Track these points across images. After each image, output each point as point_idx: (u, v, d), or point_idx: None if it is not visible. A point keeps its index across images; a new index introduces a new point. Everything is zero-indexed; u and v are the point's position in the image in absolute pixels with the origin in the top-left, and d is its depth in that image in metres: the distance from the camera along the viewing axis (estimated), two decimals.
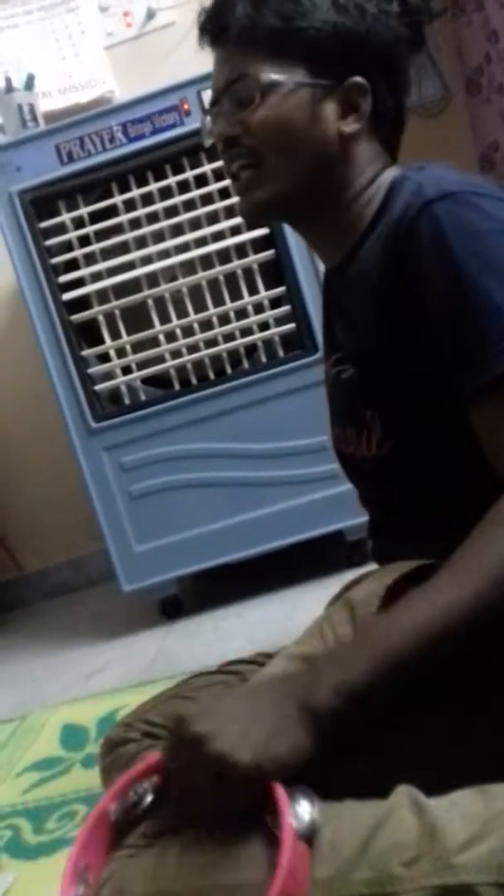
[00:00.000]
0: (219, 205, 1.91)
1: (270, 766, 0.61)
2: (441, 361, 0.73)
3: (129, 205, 1.94)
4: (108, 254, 1.97)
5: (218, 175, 1.91)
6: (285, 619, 1.84)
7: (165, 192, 1.93)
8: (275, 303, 1.96)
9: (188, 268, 1.95)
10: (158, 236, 1.95)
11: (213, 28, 0.84)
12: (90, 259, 1.97)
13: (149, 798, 0.69)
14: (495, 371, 0.69)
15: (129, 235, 1.94)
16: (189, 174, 1.92)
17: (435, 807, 0.63)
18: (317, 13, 0.79)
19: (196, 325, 1.96)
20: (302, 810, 0.62)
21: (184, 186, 1.93)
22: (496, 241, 0.71)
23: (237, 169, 0.85)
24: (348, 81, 0.81)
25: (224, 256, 1.94)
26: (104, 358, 2.00)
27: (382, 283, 0.77)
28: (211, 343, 1.97)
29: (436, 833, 0.61)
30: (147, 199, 1.94)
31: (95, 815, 0.70)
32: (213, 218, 1.93)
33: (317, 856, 0.62)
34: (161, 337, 1.96)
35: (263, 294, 1.94)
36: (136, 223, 1.94)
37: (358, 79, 0.81)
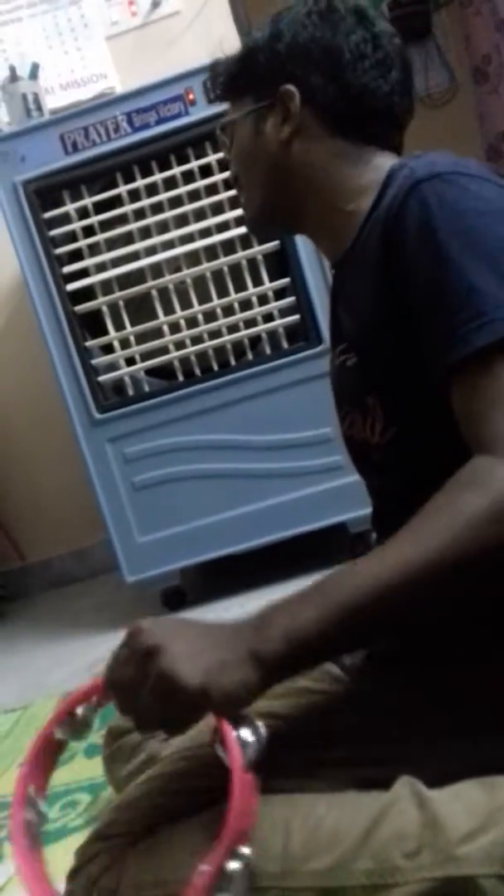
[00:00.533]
0: (223, 195, 1.91)
1: (217, 695, 0.60)
2: (422, 340, 0.73)
3: (134, 195, 1.94)
4: (112, 244, 1.96)
5: (223, 165, 1.90)
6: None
7: (170, 183, 1.93)
8: (279, 294, 1.95)
9: (192, 258, 1.95)
10: (163, 227, 1.95)
11: (214, 97, 0.98)
12: (94, 249, 1.97)
13: (94, 716, 0.70)
14: (463, 352, 0.69)
15: (133, 226, 1.93)
16: (194, 164, 1.91)
17: (437, 798, 0.64)
18: (240, 52, 0.90)
19: (200, 316, 1.95)
20: (248, 736, 0.61)
21: (188, 176, 1.92)
22: (480, 221, 0.71)
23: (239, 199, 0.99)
24: (278, 91, 0.86)
25: (228, 247, 1.93)
26: (108, 349, 2.00)
27: (378, 264, 0.78)
28: (215, 334, 1.96)
29: (438, 824, 0.61)
30: (151, 190, 1.93)
31: (40, 739, 0.70)
32: (217, 208, 1.92)
33: (317, 845, 0.62)
34: (165, 328, 1.96)
35: (268, 285, 1.94)
36: (140, 213, 1.94)
37: (285, 86, 0.86)
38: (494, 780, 0.66)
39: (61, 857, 0.78)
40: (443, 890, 0.59)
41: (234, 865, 0.56)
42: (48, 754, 0.71)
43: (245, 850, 0.57)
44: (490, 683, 0.71)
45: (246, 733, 0.62)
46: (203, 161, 1.91)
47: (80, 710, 0.70)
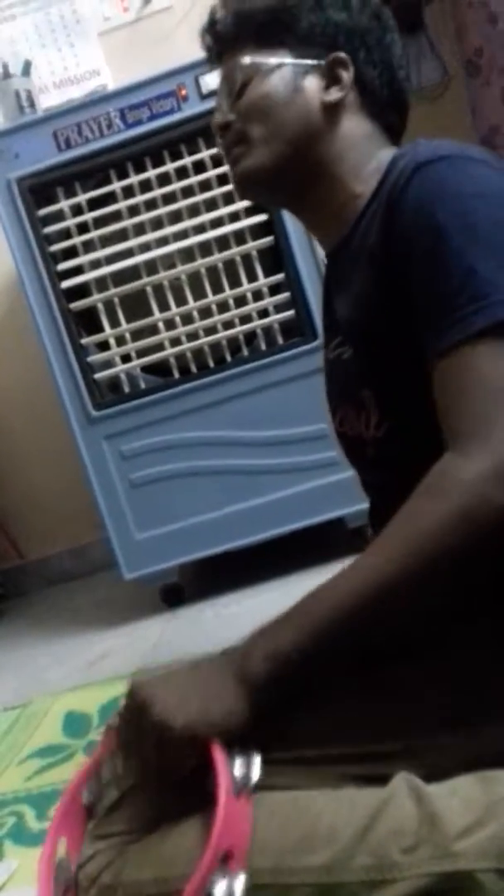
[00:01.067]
0: (217, 191, 1.90)
1: (204, 729, 0.65)
2: (418, 323, 0.73)
3: (128, 192, 1.93)
4: (106, 241, 1.96)
5: (216, 161, 1.90)
6: (286, 606, 1.84)
7: (164, 179, 1.92)
8: (274, 290, 1.95)
9: (187, 255, 1.94)
10: (157, 223, 1.94)
11: (212, 45, 0.91)
12: (89, 246, 1.97)
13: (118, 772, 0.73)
14: (463, 333, 0.68)
15: (127, 223, 1.93)
16: (187, 160, 1.90)
17: (434, 793, 0.64)
18: (276, 3, 0.86)
19: (195, 313, 1.95)
20: (239, 767, 0.65)
21: (182, 173, 1.92)
22: (481, 205, 0.71)
23: (228, 150, 0.90)
24: (329, 57, 0.86)
25: (223, 243, 1.93)
26: (103, 346, 2.00)
27: (379, 247, 0.78)
28: (210, 331, 1.96)
29: (435, 820, 0.61)
30: (145, 186, 1.93)
31: (68, 797, 0.72)
32: (211, 205, 1.92)
33: (315, 841, 0.62)
34: (160, 325, 1.96)
35: (262, 281, 1.93)
36: (134, 210, 1.93)
37: (339, 54, 0.86)
38: (491, 775, 0.66)
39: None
40: (441, 885, 0.59)
41: (219, 886, 0.58)
42: (76, 815, 0.72)
43: (232, 869, 0.59)
44: (485, 676, 0.72)
45: (238, 761, 0.65)
46: (196, 157, 1.90)
47: (105, 773, 0.73)
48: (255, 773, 0.65)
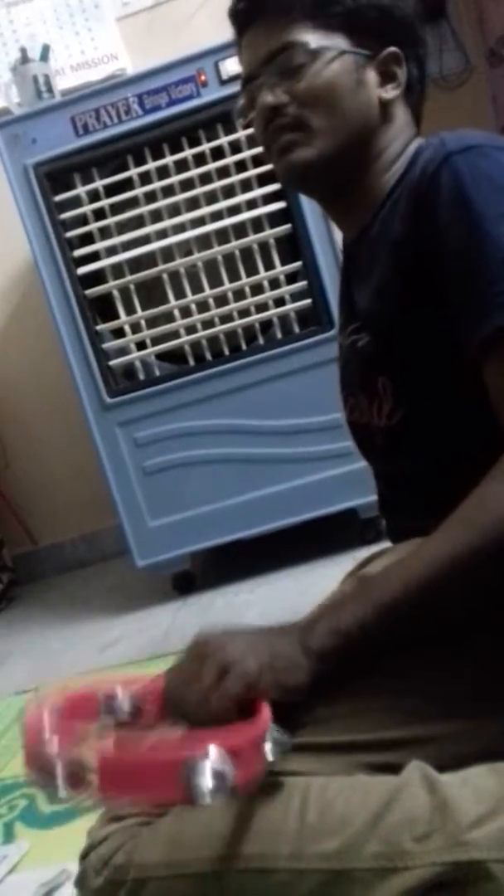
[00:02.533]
0: (235, 178, 1.89)
1: (269, 678, 0.66)
2: (451, 313, 0.73)
3: (145, 178, 1.93)
4: (122, 227, 1.95)
5: (234, 148, 1.89)
6: (297, 595, 1.85)
7: (181, 165, 1.91)
8: (291, 278, 1.94)
9: (203, 242, 1.94)
10: (174, 210, 1.94)
11: (250, 3, 0.85)
12: (105, 233, 1.96)
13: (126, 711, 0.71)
14: (498, 322, 0.68)
15: (144, 209, 1.93)
16: (205, 147, 1.89)
17: (447, 783, 0.64)
18: None
19: (211, 301, 1.95)
20: (276, 732, 0.65)
21: (200, 159, 1.91)
22: None
23: (279, 135, 0.85)
24: (385, 51, 0.84)
25: (240, 230, 1.92)
26: (119, 333, 2.00)
27: (403, 235, 0.77)
28: (226, 318, 1.96)
29: (447, 809, 0.61)
30: (163, 172, 1.92)
31: (82, 694, 0.71)
32: (229, 191, 1.91)
33: (327, 827, 0.62)
34: (176, 312, 1.96)
35: (279, 269, 1.92)
36: (151, 196, 1.93)
37: (393, 49, 0.84)
38: None
39: (74, 838, 0.78)
40: (452, 874, 0.59)
41: (223, 768, 0.58)
42: (86, 709, 0.71)
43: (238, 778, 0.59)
44: (501, 665, 0.71)
45: (276, 730, 0.65)
46: (215, 143, 1.89)
47: (124, 705, 0.72)
48: (287, 745, 0.65)
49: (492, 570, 0.66)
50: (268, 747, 0.62)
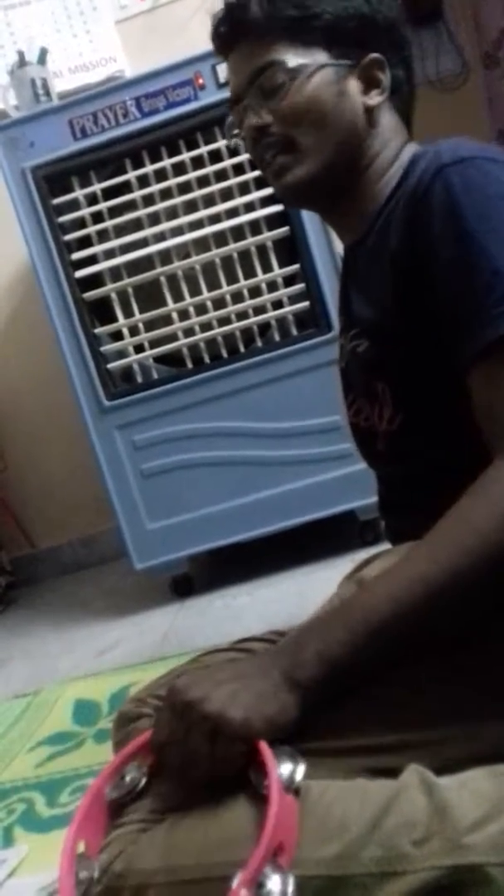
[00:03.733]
0: (233, 181, 1.90)
1: (260, 724, 0.64)
2: (445, 324, 0.73)
3: (143, 181, 1.93)
4: (120, 231, 1.95)
5: (232, 151, 1.89)
6: (296, 598, 1.85)
7: (179, 168, 1.92)
8: (289, 281, 1.94)
9: (201, 245, 1.94)
10: (172, 213, 1.94)
11: (230, 28, 0.86)
12: (103, 236, 1.96)
13: (143, 781, 0.71)
14: (490, 336, 0.69)
15: (142, 212, 1.93)
16: (203, 150, 1.90)
17: (445, 787, 0.64)
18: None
19: (209, 303, 1.95)
20: (285, 767, 0.64)
21: (198, 162, 1.91)
22: None
23: (270, 157, 0.86)
24: (367, 58, 0.84)
25: (238, 233, 1.92)
26: (117, 336, 2.00)
27: (398, 247, 0.78)
28: (224, 321, 1.96)
29: (446, 813, 0.61)
30: (160, 175, 1.92)
31: (90, 795, 0.71)
32: (227, 194, 1.91)
33: (325, 833, 0.62)
34: (174, 315, 1.96)
35: (277, 272, 1.93)
36: (149, 199, 1.93)
37: (375, 55, 0.84)
38: (503, 769, 0.66)
39: None
40: (451, 878, 0.59)
41: (272, 881, 0.57)
42: (99, 811, 0.72)
43: (283, 865, 0.58)
44: (497, 667, 0.71)
45: (287, 763, 0.65)
46: (212, 146, 1.89)
47: (128, 776, 0.72)
48: (300, 773, 0.65)
49: (478, 588, 0.66)
50: (285, 777, 0.63)
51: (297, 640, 0.70)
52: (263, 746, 0.64)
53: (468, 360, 0.72)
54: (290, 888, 0.57)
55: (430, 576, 0.66)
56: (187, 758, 0.66)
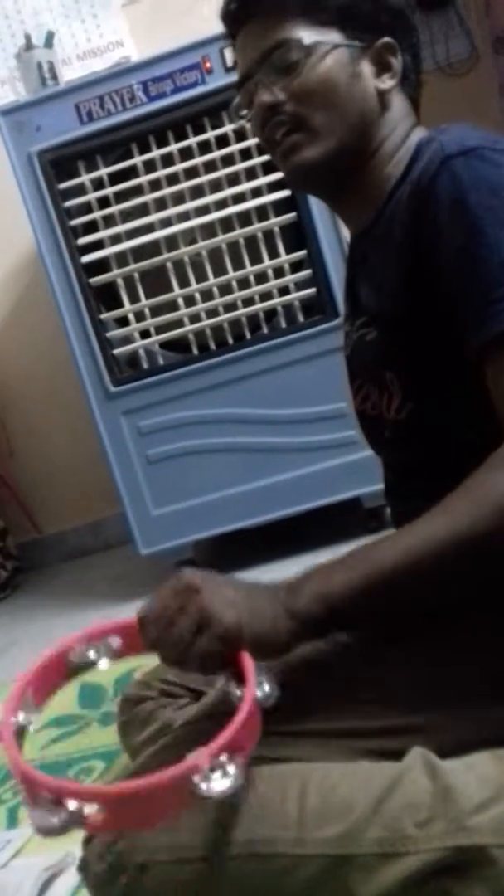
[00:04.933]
0: (240, 166, 1.89)
1: (248, 634, 0.65)
2: (452, 316, 0.73)
3: (149, 166, 1.92)
4: (127, 216, 1.95)
5: (239, 135, 1.88)
6: None
7: (186, 153, 1.91)
8: (295, 267, 1.94)
9: (208, 230, 1.93)
10: (178, 198, 1.93)
11: (241, 4, 0.85)
12: (109, 221, 1.96)
13: (102, 661, 0.74)
14: (496, 329, 0.69)
15: (148, 197, 1.92)
16: (210, 134, 1.89)
17: (449, 769, 0.64)
18: None
19: (215, 289, 1.94)
20: (263, 685, 0.65)
21: (204, 147, 1.90)
22: None
23: (281, 136, 0.85)
24: (379, 42, 0.83)
25: (244, 219, 1.92)
26: (122, 322, 2.00)
27: (405, 238, 0.77)
28: (230, 307, 1.95)
29: (450, 795, 0.62)
30: (167, 160, 1.91)
31: (54, 654, 0.73)
32: (233, 179, 1.90)
33: (329, 813, 0.62)
34: (180, 301, 1.95)
35: (284, 258, 1.92)
36: (155, 184, 1.92)
37: (388, 39, 0.84)
38: None
39: None
40: (454, 859, 0.59)
41: (227, 767, 0.58)
42: (57, 671, 0.73)
43: (240, 760, 0.59)
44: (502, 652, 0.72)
45: (263, 679, 0.65)
46: (220, 131, 1.88)
47: (94, 651, 0.74)
48: (275, 694, 0.65)
49: (488, 557, 0.66)
50: (259, 695, 0.64)
51: (300, 577, 0.71)
52: (246, 657, 0.65)
53: (478, 351, 0.72)
54: (237, 781, 0.58)
55: (443, 534, 0.65)
56: (169, 636, 0.67)
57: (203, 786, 0.56)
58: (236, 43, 0.88)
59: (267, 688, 0.65)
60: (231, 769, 0.57)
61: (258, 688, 0.64)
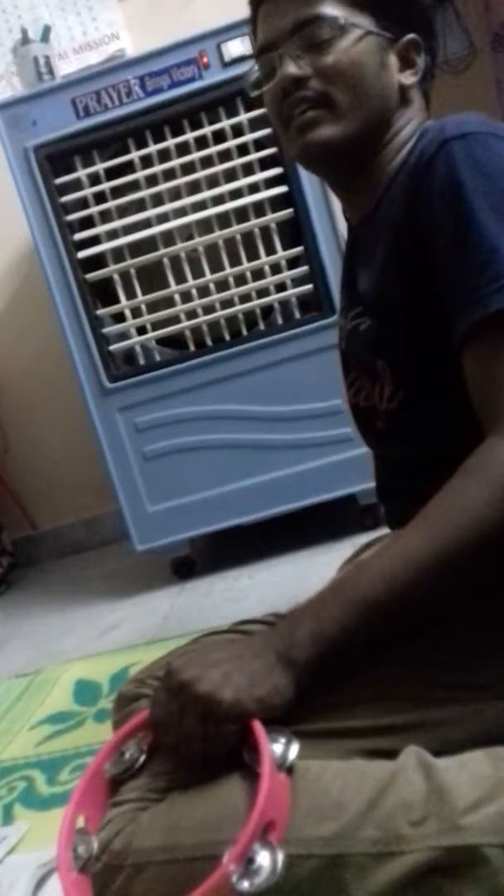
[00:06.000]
0: (237, 161, 1.88)
1: (251, 704, 0.65)
2: (443, 301, 0.73)
3: (146, 161, 1.91)
4: (123, 211, 1.94)
5: (237, 131, 1.88)
6: (297, 581, 1.85)
7: (183, 148, 1.90)
8: (292, 263, 1.93)
9: (205, 226, 1.93)
10: (175, 194, 1.92)
11: None
12: (106, 216, 1.95)
13: (142, 758, 0.72)
14: (481, 313, 0.69)
15: (145, 192, 1.91)
16: (207, 129, 1.88)
17: (443, 768, 0.64)
18: None
19: (212, 285, 1.94)
20: (278, 745, 0.65)
21: (201, 142, 1.90)
22: None
23: (301, 111, 0.83)
24: (407, 37, 0.84)
25: (241, 215, 1.91)
26: (119, 318, 1.99)
27: (400, 221, 0.78)
28: (227, 303, 1.95)
29: (443, 794, 0.61)
30: (164, 156, 1.91)
31: (90, 772, 0.72)
32: (230, 175, 1.90)
33: (322, 812, 0.62)
34: (176, 297, 1.95)
35: (281, 254, 1.92)
36: (152, 180, 1.92)
37: (414, 35, 0.84)
38: (501, 751, 0.66)
39: None
40: (448, 859, 0.59)
41: (262, 856, 0.57)
42: (99, 788, 0.73)
43: (273, 841, 0.58)
44: (498, 651, 0.72)
45: (278, 740, 0.65)
46: (216, 126, 1.88)
47: (127, 752, 0.73)
48: (293, 752, 0.65)
49: (471, 565, 0.66)
50: (278, 755, 0.64)
51: (291, 619, 0.70)
52: (257, 725, 0.65)
53: (461, 337, 0.72)
54: (280, 864, 0.58)
55: (424, 553, 0.66)
56: (181, 737, 0.66)
57: (245, 884, 0.56)
58: (261, 11, 0.86)
59: (282, 744, 0.65)
60: (263, 858, 0.57)
61: (274, 745, 0.64)
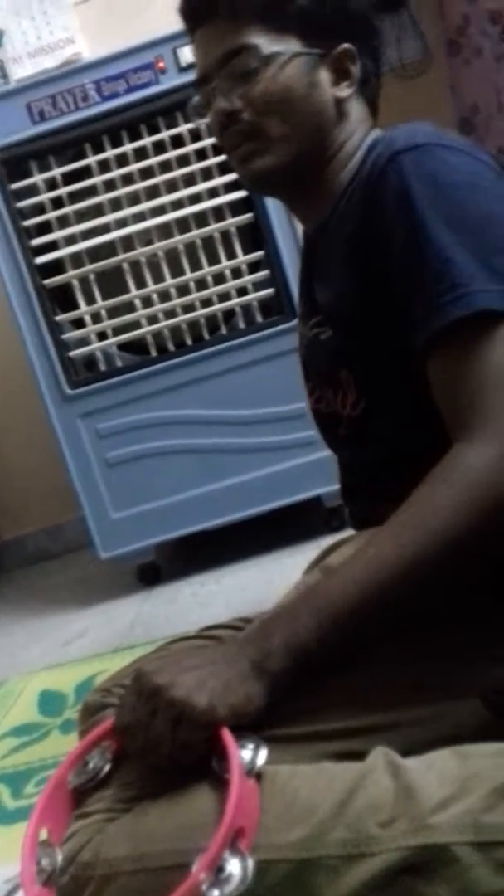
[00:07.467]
0: (195, 166, 1.88)
1: (224, 711, 0.64)
2: (400, 313, 0.74)
3: (104, 166, 1.90)
4: (81, 216, 1.93)
5: (195, 136, 1.87)
6: (263, 585, 1.85)
7: (140, 153, 1.89)
8: (253, 267, 1.94)
9: (164, 231, 1.92)
10: (133, 198, 1.91)
11: (202, 2, 0.84)
12: (63, 222, 1.93)
13: (106, 767, 0.71)
14: (440, 323, 0.70)
15: (103, 197, 1.90)
16: (165, 134, 1.88)
17: (411, 768, 0.64)
18: None
19: (173, 290, 1.93)
20: (246, 752, 0.65)
21: (159, 147, 1.89)
22: (457, 194, 0.72)
23: (237, 143, 0.85)
24: (338, 48, 0.83)
25: (201, 219, 1.91)
26: (79, 324, 1.97)
27: (355, 234, 0.78)
28: (188, 308, 1.94)
29: (412, 794, 0.62)
30: (121, 160, 1.90)
31: (52, 784, 0.71)
32: (189, 180, 1.89)
33: (292, 817, 0.62)
34: (137, 302, 1.94)
35: (241, 258, 1.92)
36: (110, 185, 1.91)
37: (347, 45, 0.84)
38: (467, 749, 0.66)
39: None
40: (418, 858, 0.59)
41: (232, 864, 0.57)
42: (62, 800, 0.71)
43: (243, 849, 0.58)
44: (464, 650, 0.72)
45: (246, 746, 0.65)
46: (174, 131, 1.87)
47: (91, 762, 0.72)
48: (262, 758, 0.65)
49: (441, 571, 0.67)
50: (246, 762, 0.63)
51: (264, 628, 0.70)
52: (225, 733, 0.64)
53: (422, 348, 0.72)
54: (250, 872, 0.57)
55: (394, 560, 0.66)
56: (150, 742, 0.65)
57: (216, 892, 0.56)
58: (195, 39, 0.87)
59: (250, 750, 0.65)
60: (234, 866, 0.57)
61: (243, 751, 0.64)
